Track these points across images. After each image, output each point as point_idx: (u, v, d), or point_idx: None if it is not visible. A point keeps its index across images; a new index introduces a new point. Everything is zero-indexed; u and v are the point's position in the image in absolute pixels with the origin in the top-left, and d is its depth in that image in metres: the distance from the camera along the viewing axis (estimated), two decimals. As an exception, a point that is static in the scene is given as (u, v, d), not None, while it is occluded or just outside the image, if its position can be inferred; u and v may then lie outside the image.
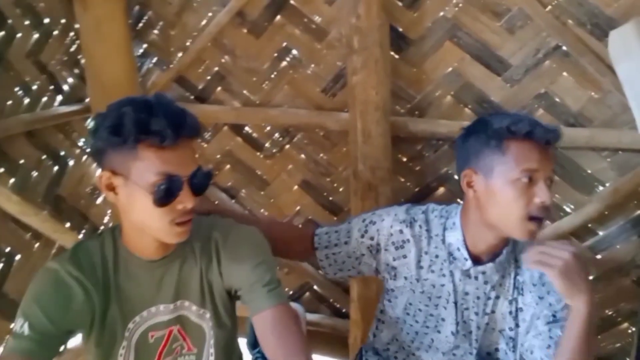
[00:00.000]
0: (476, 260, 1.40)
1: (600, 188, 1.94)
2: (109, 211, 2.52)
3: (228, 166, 2.43)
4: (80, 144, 2.42)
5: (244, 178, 2.43)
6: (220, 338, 1.40)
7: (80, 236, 2.38)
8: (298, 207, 2.38)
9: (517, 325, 1.42)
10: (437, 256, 1.44)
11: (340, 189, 2.28)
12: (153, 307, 1.34)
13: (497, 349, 1.47)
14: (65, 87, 2.37)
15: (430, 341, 1.50)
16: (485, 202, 1.33)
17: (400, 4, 2.00)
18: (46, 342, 1.23)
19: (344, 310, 2.40)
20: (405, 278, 1.48)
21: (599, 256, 2.00)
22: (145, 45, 2.43)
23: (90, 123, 1.24)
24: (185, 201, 1.19)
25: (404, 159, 2.15)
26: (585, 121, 1.90)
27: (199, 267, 1.35)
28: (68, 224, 2.36)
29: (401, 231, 1.45)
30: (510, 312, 1.42)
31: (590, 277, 1.97)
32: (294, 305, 1.70)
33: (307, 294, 2.47)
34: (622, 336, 2.04)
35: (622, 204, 1.92)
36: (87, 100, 2.39)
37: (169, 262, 1.33)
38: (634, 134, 1.78)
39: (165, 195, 1.17)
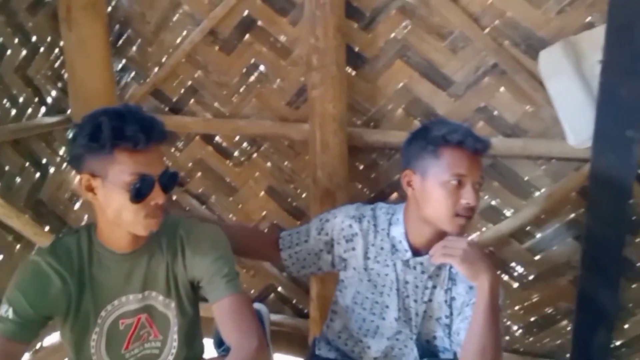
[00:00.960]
0: (416, 252, 1.57)
1: (537, 193, 2.11)
2: (85, 216, 2.66)
3: (199, 174, 2.59)
4: (61, 152, 2.56)
5: (214, 185, 2.58)
6: (183, 325, 1.56)
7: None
8: (264, 213, 2.53)
9: (451, 314, 1.59)
10: (382, 248, 1.61)
11: (303, 195, 2.44)
12: (123, 297, 1.50)
13: (434, 337, 1.63)
14: (49, 100, 2.53)
15: (376, 327, 1.67)
16: (421, 199, 1.51)
17: (356, 26, 2.17)
18: (27, 325, 1.40)
19: (305, 311, 2.54)
20: (354, 269, 1.65)
21: (537, 257, 2.16)
22: (124, 61, 2.60)
23: (69, 133, 1.39)
24: (157, 197, 1.37)
25: (360, 167, 2.31)
26: (521, 132, 2.07)
27: (166, 260, 1.51)
28: (47, 228, 2.50)
29: (351, 226, 1.63)
30: (446, 301, 1.59)
31: (530, 277, 2.17)
32: (258, 306, 1.86)
33: (271, 295, 2.61)
34: (561, 334, 2.20)
35: (556, 208, 2.09)
36: (69, 111, 2.54)
37: (138, 256, 1.49)
38: (564, 144, 1.98)
39: (139, 192, 1.34)
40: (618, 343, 2.13)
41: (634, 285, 2.05)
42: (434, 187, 1.47)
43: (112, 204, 1.36)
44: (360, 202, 1.71)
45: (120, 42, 2.57)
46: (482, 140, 1.47)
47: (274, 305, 2.58)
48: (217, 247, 1.51)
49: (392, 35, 2.15)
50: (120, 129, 1.30)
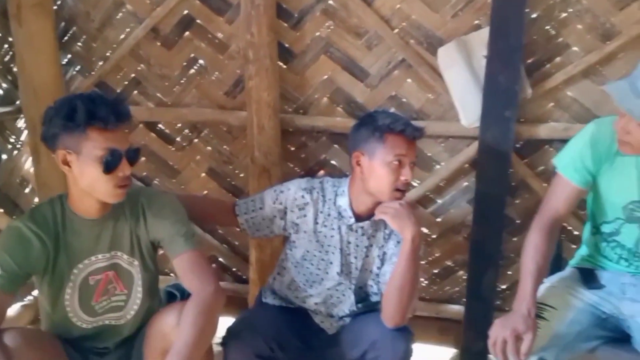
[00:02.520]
0: (358, 218, 1.88)
1: (437, 166, 2.48)
2: (35, 199, 2.79)
3: (143, 158, 2.77)
4: (12, 140, 2.69)
5: (157, 168, 2.79)
6: (146, 280, 1.78)
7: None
8: (205, 192, 2.76)
9: (382, 265, 1.91)
10: (329, 214, 1.91)
11: (241, 175, 2.71)
12: (93, 256, 1.72)
13: (367, 284, 1.95)
14: (0, 92, 2.65)
15: (320, 280, 1.95)
16: (368, 176, 1.82)
17: (286, 25, 2.46)
18: (13, 280, 1.61)
19: (244, 277, 2.81)
20: (305, 232, 1.93)
21: (438, 219, 2.55)
22: (69, 56, 2.75)
23: (45, 115, 1.59)
24: (125, 169, 1.60)
25: (292, 149, 2.62)
26: (424, 116, 2.44)
27: (129, 224, 1.73)
28: (1, 210, 2.64)
29: (303, 196, 1.91)
30: (379, 256, 1.91)
31: (433, 235, 2.55)
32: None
33: (213, 265, 2.84)
34: (459, 282, 2.60)
35: (453, 178, 2.47)
36: (18, 102, 2.68)
37: (105, 221, 1.70)
38: (458, 125, 2.36)
39: (110, 164, 1.57)
40: (504, 286, 2.54)
41: (514, 238, 2.46)
42: (380, 166, 1.78)
43: (86, 176, 1.58)
44: (308, 177, 2.00)
45: (66, 38, 2.72)
46: (419, 129, 1.82)
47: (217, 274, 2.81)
48: (174, 212, 1.75)
49: (317, 33, 2.46)
50: (93, 110, 1.53)
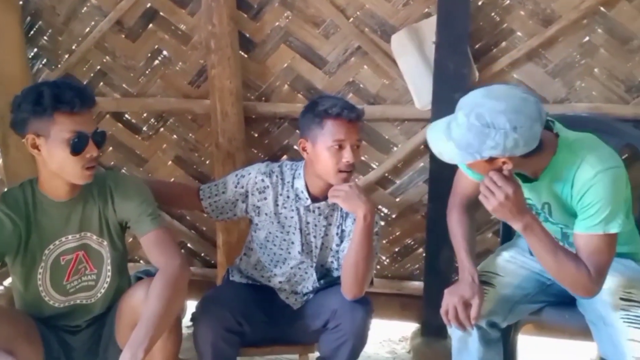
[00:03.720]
0: (314, 199, 1.94)
1: (395, 149, 2.57)
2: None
3: (110, 148, 2.82)
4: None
5: (125, 157, 2.83)
6: (115, 260, 1.83)
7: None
8: (172, 179, 2.81)
9: (341, 242, 1.98)
10: (288, 197, 1.96)
11: (207, 162, 2.76)
12: (63, 237, 1.76)
13: (328, 261, 2.02)
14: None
15: (284, 259, 2.01)
16: (313, 161, 1.88)
17: (246, 15, 2.52)
18: None
19: (212, 262, 2.87)
20: (266, 214, 1.99)
21: (397, 199, 2.63)
22: (36, 49, 2.78)
23: (13, 102, 1.64)
24: (92, 151, 1.65)
25: (256, 135, 2.68)
26: (381, 100, 2.52)
27: (97, 206, 1.77)
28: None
29: (263, 180, 1.97)
30: (337, 234, 1.98)
31: (393, 215, 2.63)
32: None
33: (182, 250, 2.82)
34: (419, 259, 2.67)
35: (409, 159, 2.55)
36: (-15, 93, 2.68)
37: (74, 203, 1.75)
38: (413, 109, 2.44)
39: (77, 146, 1.61)
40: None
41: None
42: (321, 151, 1.84)
43: (55, 158, 1.62)
44: (269, 161, 2.05)
45: (32, 32, 2.75)
46: (356, 111, 1.85)
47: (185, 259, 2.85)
48: (140, 193, 1.80)
49: (277, 23, 2.53)
50: (59, 95, 1.58)
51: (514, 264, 1.93)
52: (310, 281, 2.02)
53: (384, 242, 2.66)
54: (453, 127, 1.57)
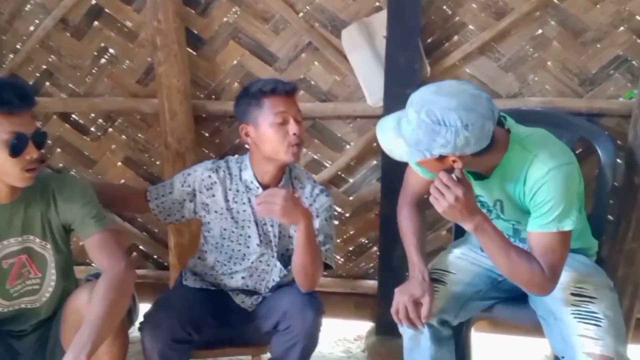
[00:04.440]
0: (265, 187, 1.83)
1: (347, 146, 2.45)
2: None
3: (59, 150, 2.66)
4: None
5: (74, 159, 2.67)
6: (59, 263, 1.74)
7: None
8: (122, 181, 2.65)
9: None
10: (238, 190, 1.87)
11: (157, 163, 2.61)
12: (5, 240, 1.66)
13: (288, 248, 1.91)
14: None
15: (243, 255, 1.91)
16: (260, 143, 1.78)
17: (193, 11, 2.38)
18: None
19: (165, 264, 2.72)
20: (216, 212, 1.88)
21: (351, 198, 2.51)
22: (-22, 50, 2.60)
23: None
24: (31, 152, 1.54)
25: (207, 134, 2.53)
26: (333, 97, 2.40)
27: (40, 209, 1.67)
28: None
29: (210, 176, 1.87)
30: None
31: (347, 214, 2.52)
32: None
33: (135, 253, 2.76)
34: (373, 257, 2.56)
35: (362, 157, 2.44)
36: None
37: (16, 206, 1.65)
38: (364, 105, 2.32)
39: (16, 147, 1.51)
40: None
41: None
42: (266, 129, 1.75)
43: None
44: (215, 158, 1.94)
45: (-26, 32, 2.57)
46: (289, 83, 1.79)
47: (138, 262, 2.73)
48: (84, 194, 1.71)
49: (225, 19, 2.39)
50: None
51: (465, 261, 1.86)
52: (276, 272, 1.92)
53: (338, 241, 2.54)
54: (403, 124, 1.51)
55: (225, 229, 1.90)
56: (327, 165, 2.48)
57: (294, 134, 1.75)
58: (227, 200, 1.87)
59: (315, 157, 2.48)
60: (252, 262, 1.91)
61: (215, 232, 1.92)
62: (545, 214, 1.52)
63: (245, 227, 1.89)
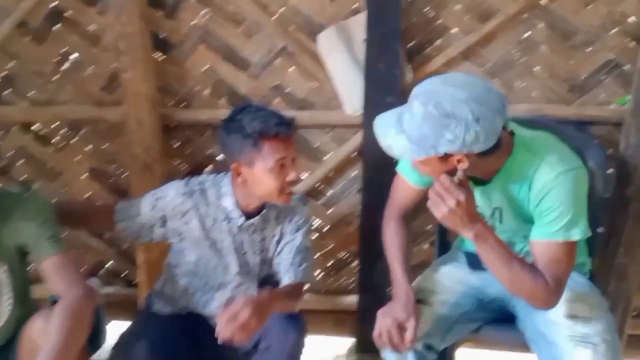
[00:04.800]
0: (247, 216, 1.69)
1: (325, 157, 2.29)
2: None
3: (21, 161, 2.45)
4: None
5: (37, 171, 2.46)
6: (15, 286, 1.60)
7: None
8: (89, 194, 2.47)
9: (281, 249, 1.75)
10: (216, 217, 1.71)
11: (125, 174, 2.41)
12: None
13: (269, 276, 1.79)
14: None
15: (220, 283, 1.76)
16: (252, 185, 1.62)
17: (160, 14, 2.19)
18: None
19: (134, 281, 2.52)
20: (191, 240, 1.72)
21: (329, 211, 2.36)
22: None
23: None
24: None
25: (176, 145, 2.35)
26: (309, 105, 2.24)
27: None
28: None
29: (183, 202, 1.69)
30: (277, 241, 1.75)
31: (325, 227, 2.38)
32: (90, 280, 1.92)
33: (102, 270, 2.57)
34: (353, 272, 2.41)
35: (342, 168, 2.29)
36: None
37: None
38: (344, 114, 2.17)
39: None
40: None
41: (406, 225, 2.31)
42: (262, 174, 1.58)
43: None
44: (188, 177, 1.75)
45: None
46: (291, 125, 1.60)
47: (105, 279, 2.55)
48: (39, 214, 1.56)
49: (194, 22, 2.20)
50: None
51: (451, 280, 1.72)
52: None
53: (317, 256, 2.37)
54: (406, 119, 1.36)
55: (201, 258, 1.75)
56: (304, 177, 2.31)
57: (293, 179, 1.60)
58: (203, 228, 1.71)
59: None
60: (232, 291, 1.76)
61: (190, 258, 1.76)
62: (551, 222, 1.40)
63: (223, 257, 1.74)
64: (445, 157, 1.34)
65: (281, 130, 1.57)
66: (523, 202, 1.47)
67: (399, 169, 1.70)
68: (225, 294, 1.77)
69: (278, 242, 1.76)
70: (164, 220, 1.71)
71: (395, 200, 1.73)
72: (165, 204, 1.70)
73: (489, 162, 1.42)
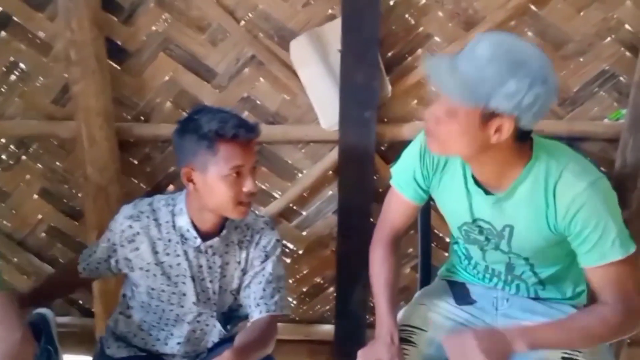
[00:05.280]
0: (205, 237, 1.46)
1: (299, 175, 2.07)
2: None
3: (-35, 181, 2.19)
4: None
5: (-18, 192, 2.19)
6: None
7: None
8: (40, 216, 2.21)
9: (244, 275, 1.54)
10: (169, 240, 1.48)
11: (79, 195, 2.16)
12: None
13: (230, 306, 1.57)
14: None
15: (176, 315, 1.54)
16: (204, 193, 1.39)
17: (116, 19, 1.95)
18: None
19: (91, 310, 2.27)
20: (142, 268, 1.50)
21: (304, 233, 2.14)
22: None
23: None
24: None
25: (135, 162, 2.11)
26: (282, 119, 2.01)
27: None
28: None
29: (131, 226, 1.47)
30: (242, 269, 1.53)
31: (300, 251, 2.16)
32: (43, 310, 1.67)
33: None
34: (329, 299, 2.20)
35: (317, 186, 2.07)
36: None
37: None
38: (318, 128, 1.95)
39: None
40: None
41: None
42: (215, 181, 1.36)
43: None
44: (138, 199, 1.53)
45: None
46: (253, 128, 1.38)
47: (61, 308, 2.28)
48: None
49: (153, 28, 1.96)
50: None
51: (437, 314, 1.52)
52: (215, 333, 1.56)
53: (290, 281, 2.15)
54: (461, 62, 1.15)
55: (153, 289, 1.52)
56: (277, 196, 2.10)
57: (249, 191, 1.38)
58: (155, 253, 1.48)
59: (263, 187, 2.08)
60: (189, 323, 1.54)
61: (142, 290, 1.53)
62: (600, 242, 1.23)
63: (179, 284, 1.50)
64: (490, 117, 1.15)
65: (240, 133, 1.35)
66: (549, 216, 1.28)
67: (394, 181, 1.49)
68: (183, 328, 1.55)
69: (244, 271, 1.53)
70: (114, 250, 1.52)
71: (386, 219, 1.53)
72: (113, 232, 1.50)
73: (511, 158, 1.24)
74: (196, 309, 1.53)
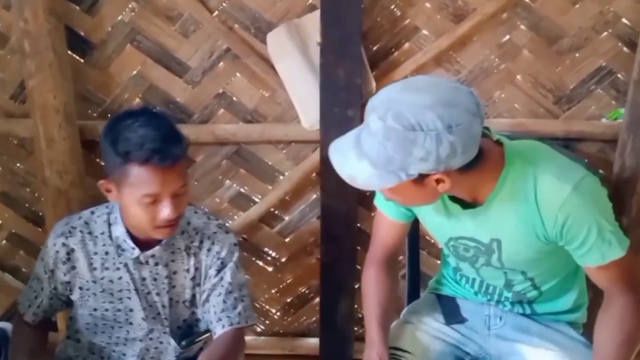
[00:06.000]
0: (145, 246, 1.27)
1: (281, 177, 1.88)
2: None
3: None
4: None
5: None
6: None
7: None
8: (0, 222, 1.99)
9: (198, 285, 1.35)
10: (107, 253, 1.29)
11: (42, 199, 1.91)
12: None
13: (185, 320, 1.38)
14: None
15: (126, 333, 1.35)
16: (122, 209, 1.22)
17: (77, 7, 1.74)
18: None
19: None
20: (80, 288, 1.31)
21: (287, 239, 1.96)
22: None
23: None
24: None
25: (102, 163, 1.88)
26: (260, 117, 1.82)
27: None
28: None
29: (64, 244, 1.30)
30: (190, 278, 1.34)
31: (282, 259, 1.98)
32: (3, 324, 1.50)
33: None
34: (315, 310, 2.02)
35: (299, 190, 1.89)
36: None
37: None
38: (299, 127, 1.76)
39: None
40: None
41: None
42: (130, 202, 1.17)
43: None
44: (71, 214, 1.36)
45: None
46: (173, 152, 1.15)
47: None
48: None
49: (119, 17, 1.75)
50: None
51: (426, 334, 1.38)
52: (170, 350, 1.37)
53: (273, 291, 1.97)
54: (364, 139, 1.05)
55: (96, 309, 1.33)
56: (256, 200, 1.91)
57: (165, 218, 1.17)
58: (93, 269, 1.30)
59: (242, 190, 1.89)
60: (141, 341, 1.36)
61: (85, 312, 1.34)
62: (597, 245, 1.12)
63: (123, 300, 1.32)
64: (421, 178, 1.04)
65: (154, 159, 1.12)
66: (531, 226, 1.16)
67: (376, 202, 1.35)
68: (135, 346, 1.37)
69: (195, 280, 1.34)
70: (52, 274, 1.32)
71: (376, 238, 1.40)
72: (47, 255, 1.32)
73: (476, 179, 1.11)
74: (146, 325, 1.34)
